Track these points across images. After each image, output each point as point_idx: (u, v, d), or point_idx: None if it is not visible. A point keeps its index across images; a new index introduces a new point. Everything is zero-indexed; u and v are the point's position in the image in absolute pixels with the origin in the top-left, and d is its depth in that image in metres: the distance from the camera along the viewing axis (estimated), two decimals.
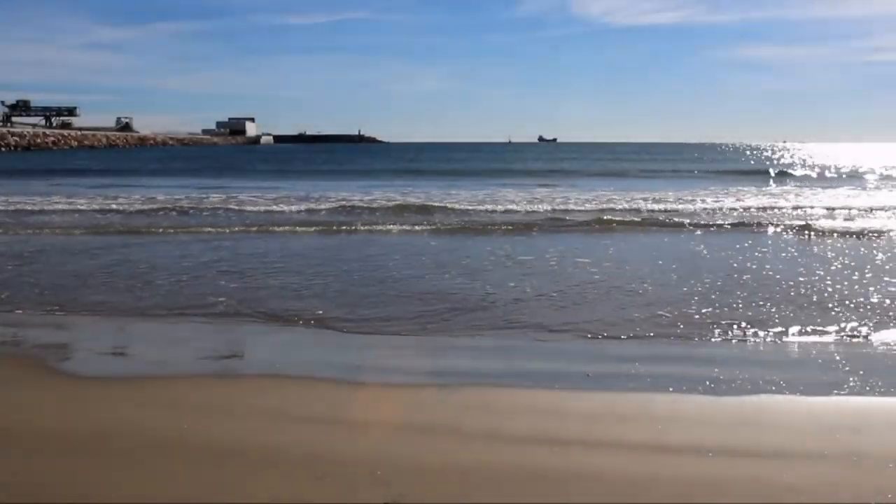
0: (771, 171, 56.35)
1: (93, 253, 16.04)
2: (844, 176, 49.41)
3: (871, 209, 25.28)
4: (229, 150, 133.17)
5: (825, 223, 20.65)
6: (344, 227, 20.74)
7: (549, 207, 25.71)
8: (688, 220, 21.85)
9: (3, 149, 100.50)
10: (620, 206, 26.19)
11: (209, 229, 20.37)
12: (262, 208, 25.31)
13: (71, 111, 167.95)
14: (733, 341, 8.86)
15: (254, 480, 5.10)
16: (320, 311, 10.42)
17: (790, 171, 56.30)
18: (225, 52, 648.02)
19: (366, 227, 20.68)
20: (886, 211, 24.70)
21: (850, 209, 25.40)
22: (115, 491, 4.96)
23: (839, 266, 13.76)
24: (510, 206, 25.97)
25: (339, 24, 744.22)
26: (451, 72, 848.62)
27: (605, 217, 22.56)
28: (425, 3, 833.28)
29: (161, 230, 20.08)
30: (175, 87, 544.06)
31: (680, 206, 26.07)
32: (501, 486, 5.01)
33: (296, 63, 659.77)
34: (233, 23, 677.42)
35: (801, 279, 12.39)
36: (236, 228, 20.54)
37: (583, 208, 25.89)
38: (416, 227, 20.66)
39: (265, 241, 18.33)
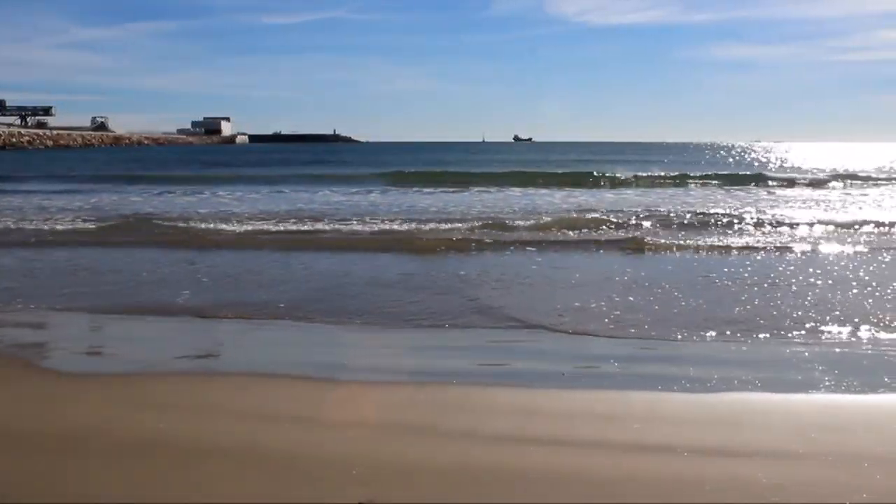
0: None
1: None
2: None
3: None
4: (196, 150, 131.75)
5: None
6: None
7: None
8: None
9: None
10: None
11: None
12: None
13: (46, 111, 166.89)
14: (710, 341, 8.94)
15: (231, 480, 5.07)
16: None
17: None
18: (202, 51, 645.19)
19: None
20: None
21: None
22: (93, 491, 4.92)
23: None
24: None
25: (316, 24, 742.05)
26: (426, 71, 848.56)
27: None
28: (401, 4, 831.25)
29: None
30: (152, 87, 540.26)
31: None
32: (479, 486, 5.00)
33: (273, 63, 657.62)
34: (210, 23, 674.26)
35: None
36: None
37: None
38: None
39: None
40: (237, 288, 12.29)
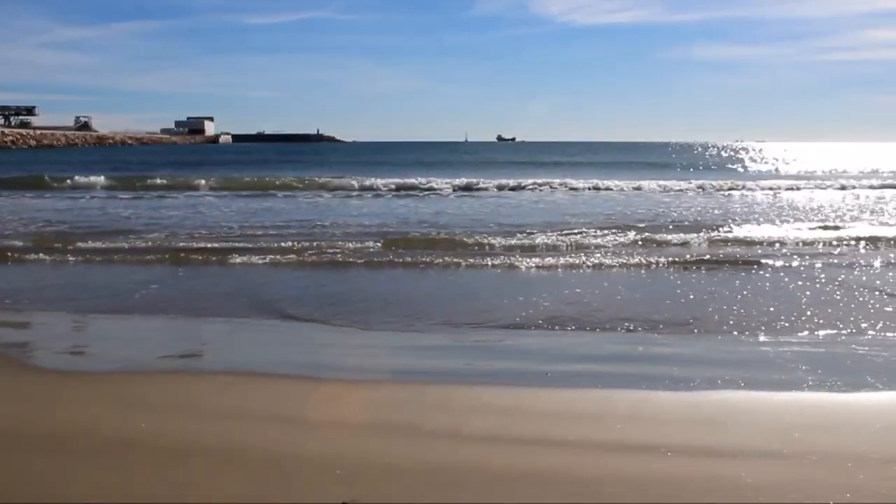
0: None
1: None
2: None
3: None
4: (175, 149, 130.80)
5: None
6: None
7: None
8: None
9: None
10: None
11: None
12: None
13: (30, 110, 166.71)
14: (694, 340, 8.97)
15: (214, 480, 5.05)
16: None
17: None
18: (186, 51, 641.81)
19: None
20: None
21: None
22: (75, 490, 4.89)
23: None
24: None
25: (299, 24, 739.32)
26: (410, 71, 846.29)
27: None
28: (384, 4, 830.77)
29: None
30: (135, 87, 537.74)
31: None
32: (462, 486, 4.99)
33: (257, 63, 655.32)
34: (194, 23, 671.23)
35: None
36: None
37: None
38: None
39: None
40: None
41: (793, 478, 5.09)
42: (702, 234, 18.30)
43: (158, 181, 38.97)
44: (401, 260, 15.10)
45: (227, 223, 21.51)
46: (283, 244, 16.73)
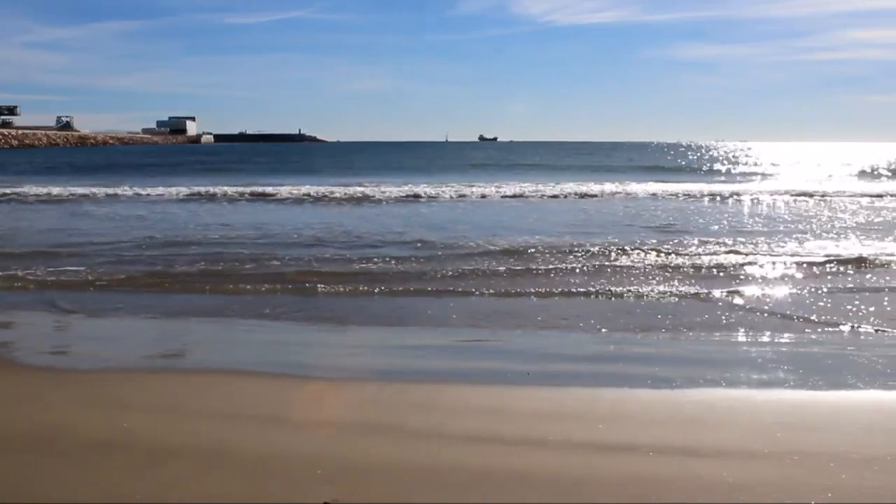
0: None
1: None
2: None
3: None
4: (155, 150, 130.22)
5: None
6: None
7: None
8: None
9: None
10: None
11: None
12: None
13: (11, 110, 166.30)
14: (676, 339, 9.01)
15: (198, 480, 5.03)
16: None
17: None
18: (168, 51, 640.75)
19: None
20: None
21: None
22: (59, 491, 4.87)
23: None
24: None
25: (280, 24, 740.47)
26: (392, 71, 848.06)
27: None
28: (367, 4, 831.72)
29: None
30: (118, 87, 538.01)
31: None
32: (445, 486, 4.99)
33: (239, 62, 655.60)
34: (176, 22, 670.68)
35: None
36: None
37: None
38: None
39: None
40: None
41: (774, 477, 5.10)
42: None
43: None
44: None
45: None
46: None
